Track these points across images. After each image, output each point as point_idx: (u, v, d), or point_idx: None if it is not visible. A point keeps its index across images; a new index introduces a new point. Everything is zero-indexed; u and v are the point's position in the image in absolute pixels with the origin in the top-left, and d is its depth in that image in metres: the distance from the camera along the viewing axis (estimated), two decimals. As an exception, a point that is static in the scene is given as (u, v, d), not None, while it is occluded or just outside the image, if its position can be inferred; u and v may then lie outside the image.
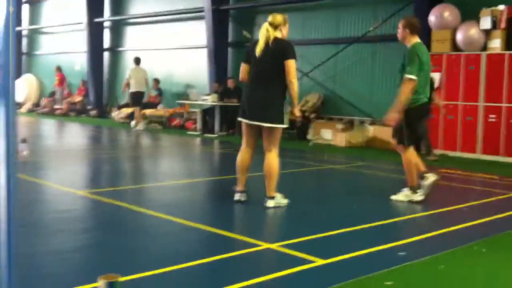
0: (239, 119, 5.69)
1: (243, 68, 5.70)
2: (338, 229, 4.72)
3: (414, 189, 6.10)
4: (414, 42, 6.07)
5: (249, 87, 5.66)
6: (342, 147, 11.72)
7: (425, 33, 11.11)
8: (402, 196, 6.13)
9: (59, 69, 20.77)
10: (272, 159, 5.54)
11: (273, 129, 5.51)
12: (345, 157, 10.31)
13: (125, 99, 17.31)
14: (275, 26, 5.51)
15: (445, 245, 4.38)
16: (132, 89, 14.57)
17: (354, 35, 12.95)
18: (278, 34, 5.53)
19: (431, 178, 6.04)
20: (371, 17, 12.63)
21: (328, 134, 12.37)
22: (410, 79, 5.80)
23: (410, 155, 6.07)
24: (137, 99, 14.70)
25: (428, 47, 10.99)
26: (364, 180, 7.97)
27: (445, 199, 6.49)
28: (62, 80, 20.71)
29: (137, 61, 14.92)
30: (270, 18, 5.56)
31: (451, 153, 10.56)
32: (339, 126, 12.37)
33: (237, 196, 5.73)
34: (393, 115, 5.92)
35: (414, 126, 6.06)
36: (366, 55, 12.99)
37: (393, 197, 6.16)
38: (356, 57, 13.13)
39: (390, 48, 12.49)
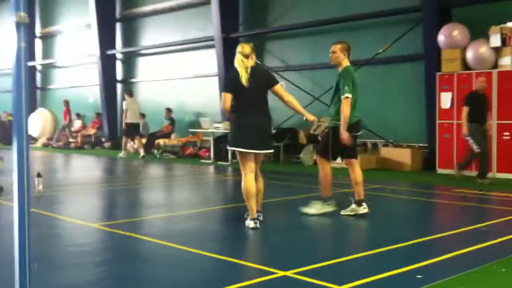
0: (243, 150, 5.75)
1: (228, 97, 5.78)
2: (353, 254, 4.66)
3: (326, 200, 6.56)
4: (346, 64, 6.57)
5: (243, 116, 5.79)
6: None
7: (435, 53, 11.16)
8: (314, 209, 6.52)
9: (66, 103, 21.23)
10: (262, 178, 6.09)
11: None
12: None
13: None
14: (246, 56, 5.79)
15: (463, 266, 4.32)
16: (129, 120, 15.45)
17: (364, 58, 12.98)
18: (251, 63, 5.82)
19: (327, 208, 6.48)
20: (381, 39, 12.66)
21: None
22: (347, 97, 6.29)
23: (329, 169, 6.54)
24: (133, 129, 15.61)
25: (438, 66, 11.04)
26: (379, 203, 7.90)
27: (462, 219, 6.41)
28: (66, 114, 21.10)
29: (131, 93, 16.00)
30: (239, 49, 5.82)
31: (466, 173, 10.46)
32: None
33: (253, 224, 5.73)
34: (346, 134, 6.25)
35: (342, 143, 6.34)
36: (377, 77, 13.00)
37: (304, 210, 6.56)
38: (367, 79, 13.11)
39: (401, 69, 12.52)
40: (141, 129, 17.36)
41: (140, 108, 16.20)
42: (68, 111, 21.18)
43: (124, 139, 15.94)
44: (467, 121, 9.46)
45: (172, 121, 16.93)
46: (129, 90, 16.44)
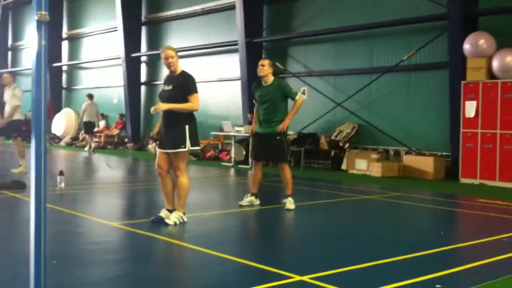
0: (198, 148, 6.38)
1: None
2: (371, 261, 4.61)
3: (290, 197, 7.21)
4: (274, 77, 7.73)
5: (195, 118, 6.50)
6: (378, 177, 11.59)
7: (460, 62, 11.03)
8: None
9: (48, 101, 21.63)
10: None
11: None
12: (381, 187, 10.18)
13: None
14: None
15: (483, 276, 4.24)
16: (86, 119, 17.99)
17: (388, 65, 12.91)
18: None
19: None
20: (405, 47, 12.57)
21: (363, 164, 12.26)
22: (300, 98, 7.38)
23: (289, 170, 7.36)
24: (89, 128, 18.24)
25: (463, 75, 10.91)
26: (400, 211, 7.83)
27: (484, 229, 6.32)
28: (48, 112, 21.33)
29: (90, 96, 18.27)
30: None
31: (489, 183, 10.32)
32: (374, 156, 12.24)
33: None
34: (287, 122, 7.30)
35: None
36: (400, 84, 12.90)
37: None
38: (390, 86, 13.05)
39: (424, 77, 12.40)
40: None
41: (98, 109, 18.42)
42: (50, 109, 21.33)
43: (88, 137, 18.52)
44: None
45: None
46: (89, 93, 18.46)
